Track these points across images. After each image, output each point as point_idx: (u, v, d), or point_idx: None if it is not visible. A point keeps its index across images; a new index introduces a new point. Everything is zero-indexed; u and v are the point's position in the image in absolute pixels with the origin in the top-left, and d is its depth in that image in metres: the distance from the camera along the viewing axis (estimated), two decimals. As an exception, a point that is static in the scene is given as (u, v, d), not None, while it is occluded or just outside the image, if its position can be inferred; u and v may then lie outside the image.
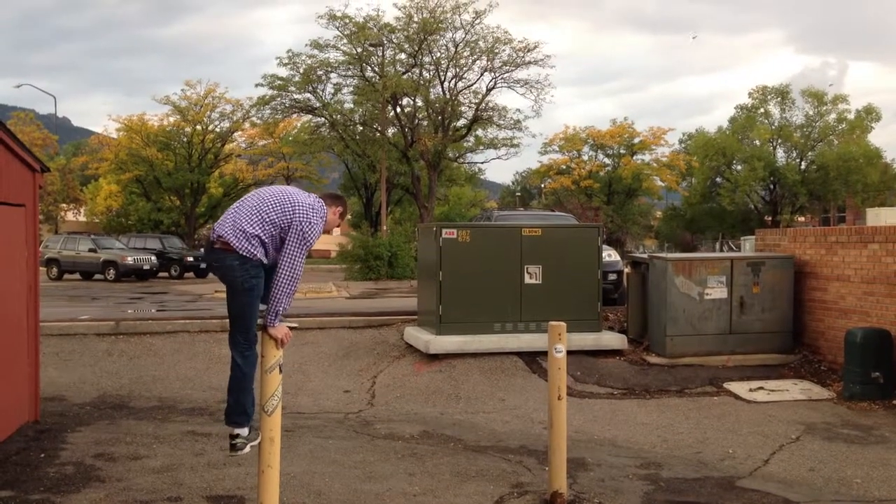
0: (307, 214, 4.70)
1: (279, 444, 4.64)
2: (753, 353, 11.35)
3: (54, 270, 29.67)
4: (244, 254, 4.62)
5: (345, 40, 32.46)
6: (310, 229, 4.70)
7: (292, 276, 4.63)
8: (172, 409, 9.24)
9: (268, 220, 4.68)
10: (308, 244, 4.71)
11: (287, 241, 4.67)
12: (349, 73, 33.87)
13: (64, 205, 45.60)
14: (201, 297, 20.50)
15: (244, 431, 4.78)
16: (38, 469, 6.47)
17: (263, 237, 4.66)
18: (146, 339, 11.90)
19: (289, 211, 4.70)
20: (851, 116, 48.03)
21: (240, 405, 4.75)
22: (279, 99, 34.04)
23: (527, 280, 11.37)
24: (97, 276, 29.34)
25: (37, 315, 8.23)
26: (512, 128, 35.28)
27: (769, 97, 49.78)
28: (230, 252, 4.64)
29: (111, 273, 28.71)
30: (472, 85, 34.09)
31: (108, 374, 10.74)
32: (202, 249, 5.12)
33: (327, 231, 5.14)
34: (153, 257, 30.10)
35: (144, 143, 43.33)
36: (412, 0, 32.24)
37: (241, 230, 4.64)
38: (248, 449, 4.77)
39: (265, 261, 4.71)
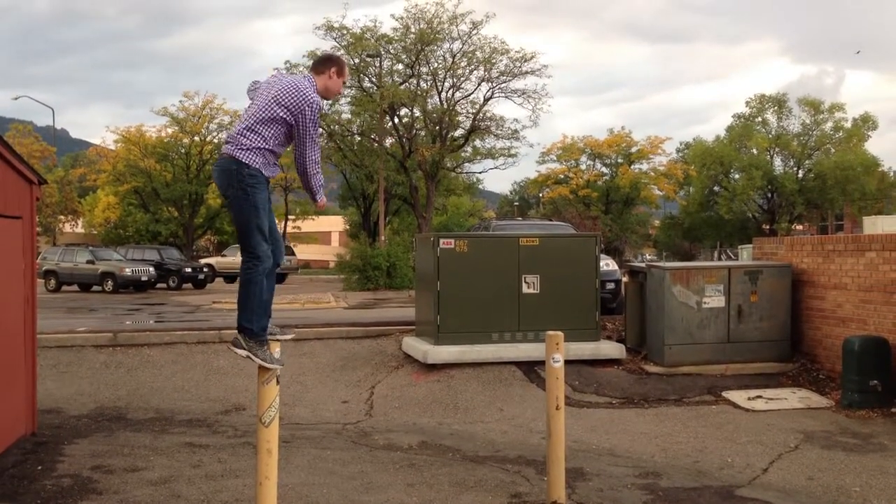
0: (305, 99, 4.69)
1: (277, 456, 4.63)
2: (752, 361, 11.35)
3: (52, 282, 29.63)
4: (242, 159, 4.62)
5: (342, 51, 32.53)
6: (310, 111, 4.69)
7: (312, 157, 4.73)
8: (170, 420, 9.22)
9: (262, 119, 4.68)
10: (315, 124, 4.72)
11: (296, 134, 4.70)
12: (346, 83, 33.95)
13: (62, 216, 45.52)
14: (199, 309, 20.49)
15: (245, 339, 4.65)
16: (35, 482, 6.45)
17: (263, 144, 4.66)
18: (144, 350, 11.88)
19: (284, 100, 4.67)
20: (848, 125, 48.16)
21: (240, 315, 4.68)
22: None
23: (524, 290, 11.37)
24: (95, 288, 29.28)
25: (34, 327, 8.23)
26: (509, 138, 35.34)
27: (766, 106, 49.92)
28: (230, 158, 4.67)
29: (109, 284, 28.66)
30: (469, 95, 34.18)
31: (106, 385, 10.72)
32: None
33: (334, 95, 5.05)
34: (151, 268, 30.04)
35: (142, 155, 43.38)
36: (409, 11, 32.38)
37: (238, 143, 4.67)
38: (244, 353, 4.59)
39: (264, 172, 4.69)
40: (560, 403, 5.85)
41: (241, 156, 4.64)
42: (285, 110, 4.65)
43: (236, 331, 4.70)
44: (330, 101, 34.42)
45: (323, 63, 4.97)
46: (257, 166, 4.65)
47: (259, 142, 4.66)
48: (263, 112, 4.68)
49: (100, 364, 11.40)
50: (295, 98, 4.66)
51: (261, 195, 4.68)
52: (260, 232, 4.68)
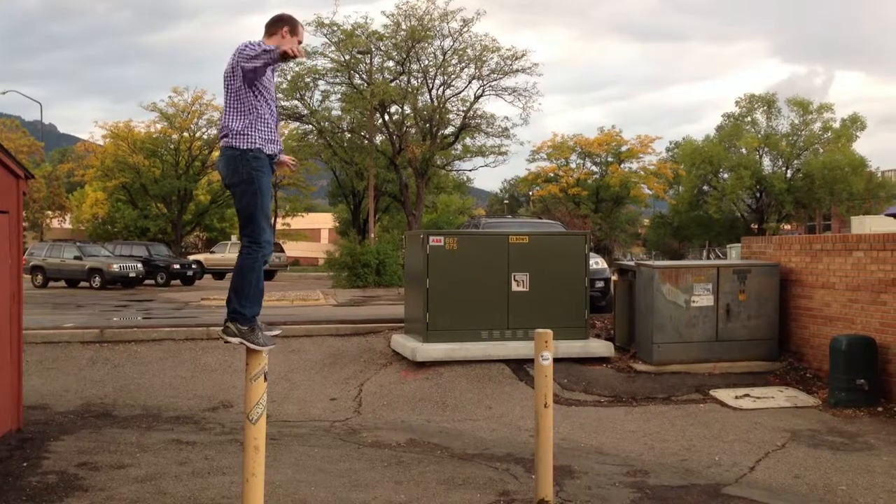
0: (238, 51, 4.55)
1: (264, 453, 4.61)
2: (739, 360, 11.39)
3: (39, 278, 29.45)
4: (241, 145, 4.58)
5: (333, 48, 32.41)
6: (243, 51, 4.51)
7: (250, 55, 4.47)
8: (157, 417, 9.18)
9: (229, 94, 4.61)
10: (253, 57, 4.45)
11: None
12: (337, 80, 33.81)
13: (49, 212, 45.31)
14: (187, 305, 20.40)
15: (237, 325, 4.60)
16: (20, 478, 6.40)
17: (247, 119, 4.60)
18: (131, 347, 11.82)
19: (228, 64, 4.59)
20: (837, 125, 48.37)
21: (234, 301, 4.62)
22: (267, 106, 33.90)
23: (514, 287, 11.37)
24: (83, 284, 29.12)
25: (20, 323, 8.17)
26: (500, 135, 35.28)
27: (756, 106, 50.09)
28: (230, 148, 4.62)
29: (97, 280, 28.51)
30: (460, 93, 34.10)
31: (93, 382, 10.66)
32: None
33: (292, 56, 4.53)
34: (139, 265, 29.90)
35: (131, 150, 43.13)
36: (400, 8, 32.28)
37: (230, 131, 4.62)
38: (237, 340, 4.55)
39: (266, 150, 4.64)
40: (549, 401, 5.85)
41: (239, 141, 4.60)
42: (231, 69, 4.57)
43: (227, 319, 4.68)
44: (320, 100, 34.49)
45: (273, 24, 4.76)
46: (258, 145, 4.61)
47: (243, 120, 4.60)
48: (226, 90, 4.65)
49: (86, 360, 11.34)
50: (233, 55, 4.58)
51: (265, 179, 4.65)
52: (264, 218, 4.66)
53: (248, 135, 4.60)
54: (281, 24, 4.74)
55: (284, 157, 5.01)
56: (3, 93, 48.76)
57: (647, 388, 10.66)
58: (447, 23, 32.32)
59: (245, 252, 4.66)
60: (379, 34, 32.51)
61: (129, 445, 7.63)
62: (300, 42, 4.83)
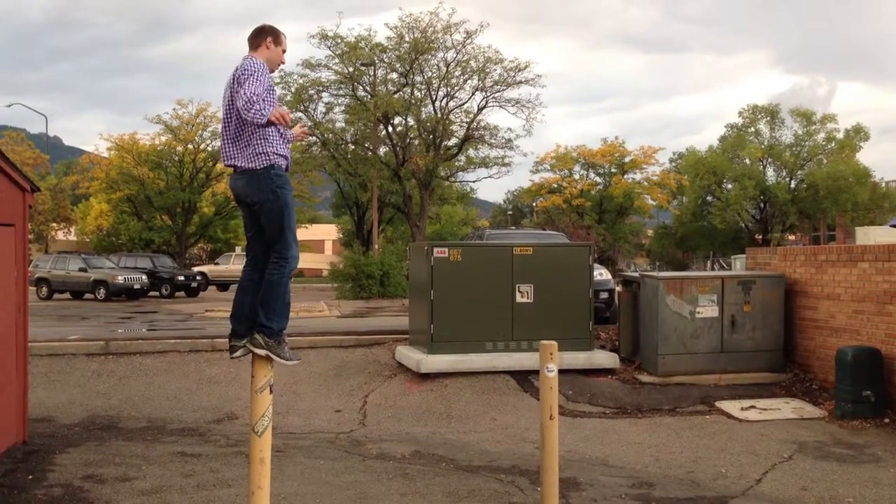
0: (238, 75, 4.55)
1: (269, 465, 4.61)
2: (745, 371, 11.36)
3: (44, 290, 29.50)
4: (263, 164, 4.59)
5: (336, 60, 32.54)
6: (247, 63, 4.57)
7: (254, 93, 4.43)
8: (162, 429, 9.17)
9: (231, 121, 4.63)
10: (255, 82, 4.46)
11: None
12: (341, 92, 33.93)
13: (55, 224, 45.41)
14: (192, 317, 20.42)
15: (264, 337, 4.61)
16: (25, 491, 6.40)
17: (261, 138, 4.61)
18: (136, 358, 11.83)
19: (229, 93, 4.63)
20: (840, 136, 48.37)
21: (261, 314, 4.61)
22: (271, 118, 33.98)
23: (518, 299, 11.37)
24: (87, 296, 29.15)
25: (26, 335, 8.18)
26: (503, 147, 35.32)
27: (759, 116, 50.12)
28: (247, 171, 4.63)
29: (101, 292, 28.55)
30: (463, 104, 34.18)
31: (98, 394, 10.66)
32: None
33: (277, 65, 4.85)
34: (144, 276, 29.95)
35: (136, 163, 43.27)
36: (403, 20, 32.42)
37: (248, 153, 4.60)
38: (263, 352, 4.57)
39: (286, 156, 4.67)
40: (554, 413, 5.83)
41: (261, 161, 4.62)
42: (237, 85, 4.55)
43: (233, 334, 4.72)
44: (324, 112, 34.54)
45: (256, 36, 4.82)
46: (279, 161, 4.63)
47: (258, 139, 4.61)
48: (228, 116, 4.67)
49: (92, 372, 11.34)
50: (236, 72, 4.62)
51: (289, 194, 4.70)
52: (291, 233, 4.71)
53: (270, 154, 4.62)
54: (264, 36, 4.81)
55: (297, 130, 5.03)
56: (9, 106, 49.02)
57: (653, 399, 10.64)
58: (450, 35, 32.44)
59: (272, 268, 4.70)
60: (382, 46, 32.64)
61: (135, 458, 7.63)
62: (283, 51, 4.90)
